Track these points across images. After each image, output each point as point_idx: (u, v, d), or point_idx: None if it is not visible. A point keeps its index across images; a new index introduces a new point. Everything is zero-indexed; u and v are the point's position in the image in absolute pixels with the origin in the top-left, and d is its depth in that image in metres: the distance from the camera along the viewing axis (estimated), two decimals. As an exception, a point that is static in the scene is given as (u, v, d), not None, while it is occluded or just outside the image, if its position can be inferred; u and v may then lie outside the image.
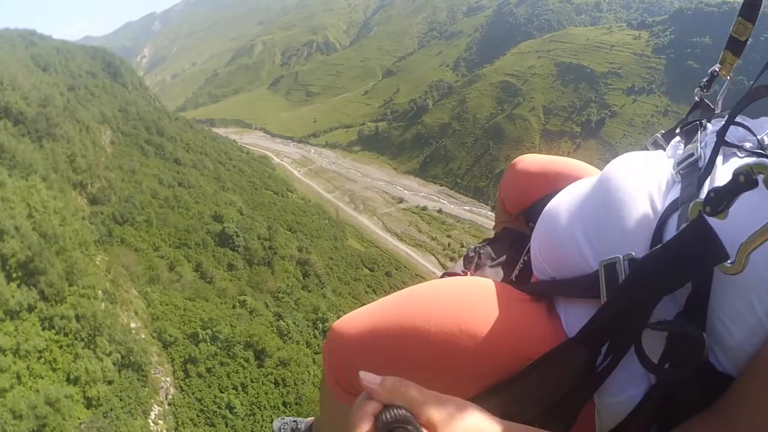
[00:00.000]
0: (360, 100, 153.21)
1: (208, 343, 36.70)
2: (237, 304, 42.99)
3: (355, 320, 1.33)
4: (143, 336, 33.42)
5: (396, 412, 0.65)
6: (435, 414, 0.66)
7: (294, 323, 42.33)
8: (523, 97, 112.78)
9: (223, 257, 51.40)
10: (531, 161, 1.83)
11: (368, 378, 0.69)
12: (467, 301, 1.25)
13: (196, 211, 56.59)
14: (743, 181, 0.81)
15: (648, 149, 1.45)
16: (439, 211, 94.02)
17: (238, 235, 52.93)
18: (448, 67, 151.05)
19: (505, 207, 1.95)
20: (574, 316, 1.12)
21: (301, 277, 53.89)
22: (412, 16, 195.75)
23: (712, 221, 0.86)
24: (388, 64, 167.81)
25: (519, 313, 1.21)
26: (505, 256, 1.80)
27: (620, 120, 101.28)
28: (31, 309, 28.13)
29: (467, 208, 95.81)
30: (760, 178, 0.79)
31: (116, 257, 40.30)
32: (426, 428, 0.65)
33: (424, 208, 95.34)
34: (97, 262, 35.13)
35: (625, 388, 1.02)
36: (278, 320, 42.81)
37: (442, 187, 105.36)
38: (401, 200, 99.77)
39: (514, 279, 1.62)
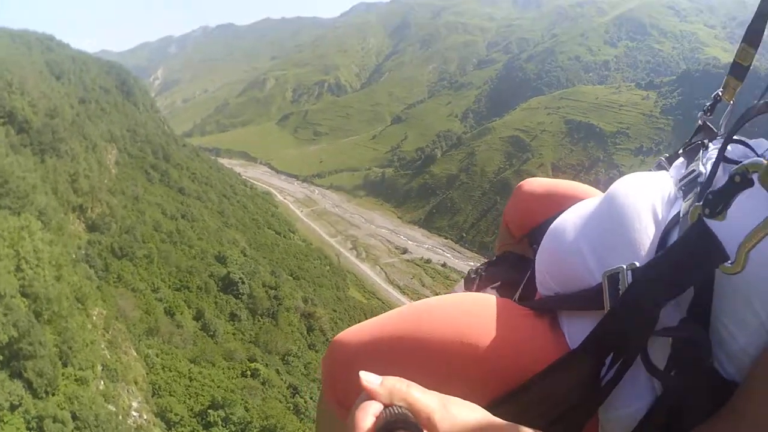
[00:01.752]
0: (367, 144, 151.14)
1: (221, 427, 31.40)
2: (248, 371, 38.13)
3: (356, 333, 1.32)
4: (145, 416, 28.30)
5: (396, 411, 0.64)
6: (436, 414, 0.65)
7: (311, 398, 37.35)
8: (532, 153, 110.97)
9: (225, 305, 47.04)
10: (537, 184, 1.84)
11: (368, 378, 0.67)
12: (470, 314, 1.25)
13: (199, 249, 52.46)
14: (739, 180, 0.83)
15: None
16: (444, 265, 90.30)
17: (243, 282, 48.76)
18: (457, 117, 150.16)
19: (509, 229, 1.95)
20: (578, 329, 1.12)
21: (306, 332, 49.56)
22: (424, 65, 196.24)
23: (712, 224, 0.87)
24: (398, 110, 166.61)
25: (522, 326, 1.21)
26: (506, 278, 1.79)
27: None
28: (14, 407, 21.34)
29: (472, 263, 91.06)
30: (755, 176, 0.80)
31: (113, 302, 35.69)
32: (426, 428, 0.64)
33: (428, 261, 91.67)
34: (95, 317, 30.38)
35: (631, 401, 1.01)
36: (294, 395, 38.06)
37: (446, 240, 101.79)
38: (405, 251, 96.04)
39: (516, 300, 1.59)
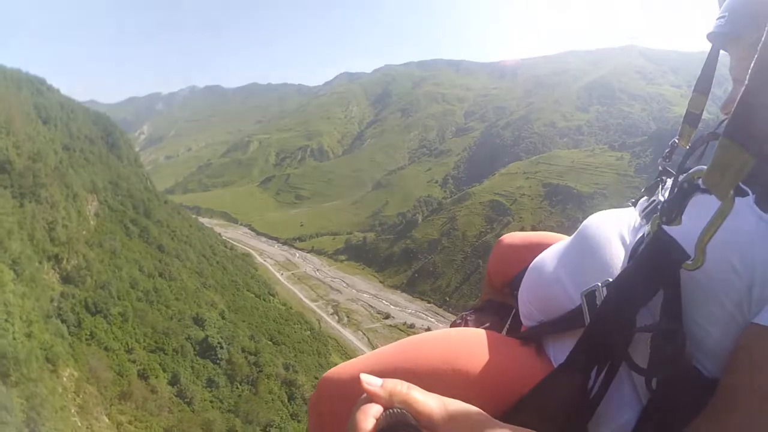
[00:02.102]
0: (348, 209, 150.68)
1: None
2: None
3: (346, 368, 1.34)
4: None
5: (397, 413, 0.64)
6: (436, 415, 0.66)
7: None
8: (512, 217, 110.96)
9: (202, 370, 44.07)
10: (515, 237, 1.96)
11: (369, 380, 0.68)
12: (458, 344, 1.30)
13: (176, 309, 49.65)
14: (687, 187, 0.92)
15: None
16: (428, 329, 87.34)
17: (221, 347, 46.07)
18: (437, 183, 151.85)
19: (491, 281, 2.05)
20: (562, 349, 1.18)
21: (287, 400, 46.32)
22: (405, 132, 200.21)
23: (670, 229, 0.95)
24: (379, 176, 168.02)
25: (509, 353, 1.26)
26: (490, 322, 1.86)
27: None
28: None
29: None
30: (700, 181, 0.87)
31: (85, 361, 32.72)
32: (427, 429, 0.64)
33: (412, 326, 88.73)
34: (65, 379, 27.46)
35: (619, 414, 1.04)
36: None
37: (429, 305, 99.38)
38: (387, 315, 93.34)
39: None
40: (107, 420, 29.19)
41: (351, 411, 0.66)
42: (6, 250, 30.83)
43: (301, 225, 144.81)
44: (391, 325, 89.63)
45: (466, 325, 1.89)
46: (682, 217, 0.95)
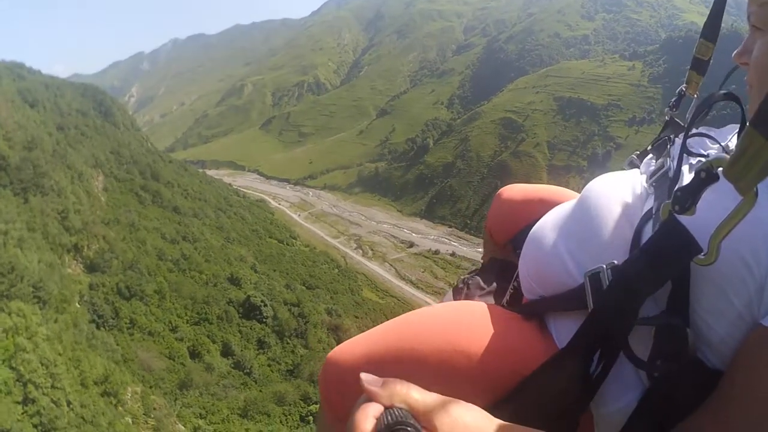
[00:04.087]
0: (355, 140, 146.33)
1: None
2: (308, 415, 32.76)
3: (349, 348, 1.34)
4: None
5: (397, 413, 0.63)
6: (436, 415, 0.65)
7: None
8: (526, 134, 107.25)
9: (250, 332, 42.08)
10: (515, 191, 1.87)
11: (369, 380, 0.67)
12: (460, 322, 1.27)
13: (210, 273, 47.43)
14: (705, 176, 0.84)
15: (625, 169, 1.46)
16: (453, 254, 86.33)
17: (265, 304, 43.95)
18: (443, 105, 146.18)
19: (492, 237, 1.98)
20: (565, 329, 1.15)
21: (335, 346, 45.00)
22: (402, 56, 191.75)
23: (683, 218, 0.89)
24: (382, 103, 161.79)
25: (511, 331, 1.23)
26: (494, 285, 1.79)
27: (626, 152, 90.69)
28: None
29: (480, 250, 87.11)
30: (720, 171, 0.81)
31: (137, 361, 30.45)
32: (427, 429, 0.63)
33: (437, 252, 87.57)
34: (129, 402, 24.45)
35: (620, 395, 1.03)
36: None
37: (451, 229, 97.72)
38: (411, 244, 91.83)
39: (505, 304, 1.60)
40: (183, 429, 27.15)
41: (353, 406, 0.66)
42: (21, 277, 27.33)
43: (310, 162, 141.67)
44: (416, 254, 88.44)
45: (468, 289, 1.78)
46: (696, 206, 0.88)
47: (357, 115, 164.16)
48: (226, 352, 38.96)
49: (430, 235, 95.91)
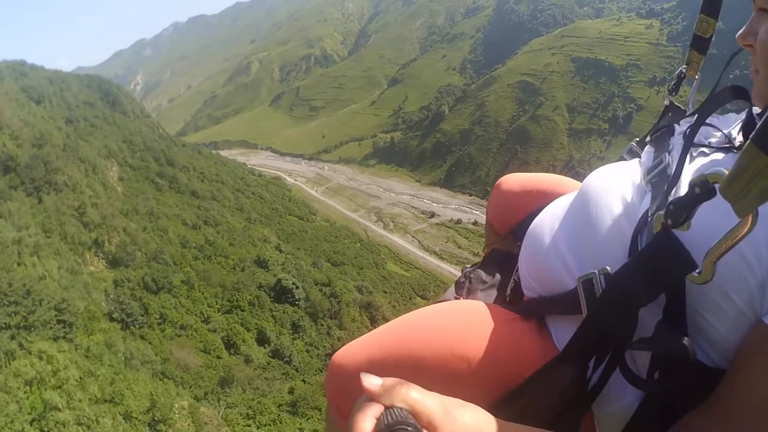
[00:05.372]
0: (368, 111, 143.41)
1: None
2: None
3: (352, 350, 1.34)
4: None
5: (397, 413, 0.62)
6: (436, 415, 0.63)
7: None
8: (544, 97, 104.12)
9: (284, 316, 40.46)
10: (514, 181, 1.84)
11: (369, 380, 0.65)
12: (459, 325, 1.26)
13: (236, 257, 45.72)
14: (699, 192, 0.79)
15: (625, 158, 1.43)
16: (475, 223, 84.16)
17: (296, 287, 42.30)
18: (455, 70, 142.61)
19: (494, 227, 1.96)
20: (564, 332, 1.13)
21: (370, 325, 43.63)
22: (410, 22, 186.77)
23: (678, 232, 0.85)
24: (392, 72, 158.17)
25: (509, 333, 1.22)
26: (495, 279, 1.77)
27: (648, 113, 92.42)
28: None
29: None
30: (716, 186, 0.76)
31: (173, 361, 28.59)
32: (427, 429, 0.62)
33: (459, 221, 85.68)
34: (176, 419, 22.20)
35: (621, 395, 1.02)
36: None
37: (472, 197, 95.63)
38: (432, 214, 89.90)
39: (507, 300, 1.58)
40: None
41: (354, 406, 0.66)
42: (41, 295, 24.51)
43: (323, 136, 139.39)
44: (437, 224, 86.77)
45: (470, 283, 1.75)
46: (692, 220, 0.84)
47: (368, 85, 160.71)
48: (262, 339, 37.39)
49: (450, 205, 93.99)
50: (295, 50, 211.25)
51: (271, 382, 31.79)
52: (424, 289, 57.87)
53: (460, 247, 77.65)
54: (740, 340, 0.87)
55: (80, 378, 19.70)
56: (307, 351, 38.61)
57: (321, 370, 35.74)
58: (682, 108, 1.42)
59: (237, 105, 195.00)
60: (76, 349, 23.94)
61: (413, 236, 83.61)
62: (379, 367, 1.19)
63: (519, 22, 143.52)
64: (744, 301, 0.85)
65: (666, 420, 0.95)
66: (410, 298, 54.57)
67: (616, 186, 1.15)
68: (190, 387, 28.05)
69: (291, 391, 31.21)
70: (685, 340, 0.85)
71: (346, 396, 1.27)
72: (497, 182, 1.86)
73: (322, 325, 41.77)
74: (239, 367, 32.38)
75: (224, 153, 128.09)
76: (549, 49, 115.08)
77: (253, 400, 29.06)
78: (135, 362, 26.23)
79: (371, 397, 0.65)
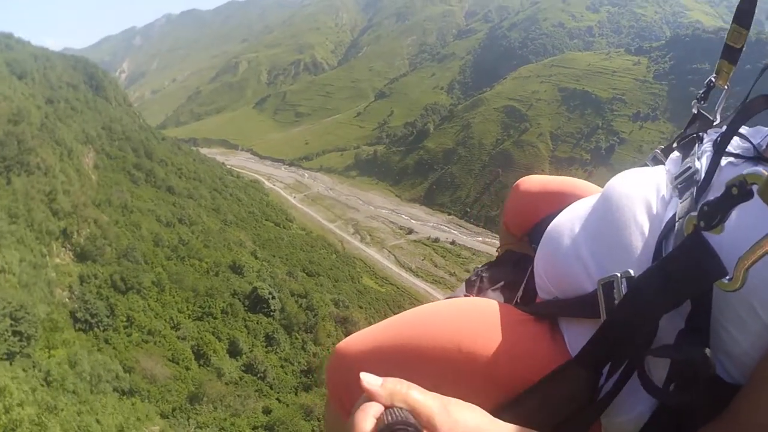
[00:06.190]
0: (353, 122, 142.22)
1: None
2: None
3: (357, 341, 1.32)
4: None
5: (397, 413, 0.62)
6: (436, 415, 0.63)
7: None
8: (529, 123, 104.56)
9: (257, 327, 38.56)
10: (533, 182, 1.81)
11: (369, 380, 0.65)
12: (468, 321, 1.23)
13: (210, 260, 43.79)
14: (736, 193, 0.76)
15: (648, 165, 1.41)
16: (453, 242, 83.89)
17: (273, 297, 40.47)
18: (443, 89, 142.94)
19: (509, 229, 1.93)
20: (577, 336, 1.10)
21: (347, 341, 41.73)
22: (402, 38, 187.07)
23: (708, 236, 0.82)
24: (380, 85, 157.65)
25: (520, 334, 1.19)
26: (507, 279, 1.75)
27: (629, 147, 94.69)
28: None
29: (480, 239, 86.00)
30: (754, 188, 0.73)
31: (139, 370, 26.60)
32: (427, 430, 0.62)
33: (436, 240, 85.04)
34: None
35: (633, 406, 0.98)
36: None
37: (450, 217, 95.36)
38: (410, 231, 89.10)
39: (518, 301, 1.56)
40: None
41: (356, 399, 0.66)
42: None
43: (306, 143, 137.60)
44: (415, 241, 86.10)
45: (482, 282, 1.73)
46: (725, 223, 0.80)
47: (355, 96, 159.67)
48: (234, 351, 35.59)
49: (429, 222, 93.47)
50: (285, 54, 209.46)
51: (244, 399, 29.86)
52: (399, 306, 56.62)
53: (436, 266, 76.93)
54: (760, 357, 0.84)
55: (38, 417, 16.40)
56: (282, 366, 36.92)
57: (297, 389, 34.10)
58: (710, 117, 1.39)
59: (221, 103, 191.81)
60: (33, 367, 20.97)
61: (390, 251, 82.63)
62: (384, 358, 1.20)
63: (510, 48, 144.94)
64: None
65: None
66: (385, 315, 53.05)
67: (641, 191, 1.12)
68: (158, 402, 25.99)
69: (267, 412, 29.42)
70: (707, 351, 0.82)
71: (349, 384, 1.24)
72: (516, 183, 1.82)
73: (296, 338, 40.13)
74: (211, 383, 30.33)
75: (204, 151, 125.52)
76: (537, 77, 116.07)
77: (225, 420, 27.11)
78: (103, 385, 23.75)
79: (371, 397, 0.64)
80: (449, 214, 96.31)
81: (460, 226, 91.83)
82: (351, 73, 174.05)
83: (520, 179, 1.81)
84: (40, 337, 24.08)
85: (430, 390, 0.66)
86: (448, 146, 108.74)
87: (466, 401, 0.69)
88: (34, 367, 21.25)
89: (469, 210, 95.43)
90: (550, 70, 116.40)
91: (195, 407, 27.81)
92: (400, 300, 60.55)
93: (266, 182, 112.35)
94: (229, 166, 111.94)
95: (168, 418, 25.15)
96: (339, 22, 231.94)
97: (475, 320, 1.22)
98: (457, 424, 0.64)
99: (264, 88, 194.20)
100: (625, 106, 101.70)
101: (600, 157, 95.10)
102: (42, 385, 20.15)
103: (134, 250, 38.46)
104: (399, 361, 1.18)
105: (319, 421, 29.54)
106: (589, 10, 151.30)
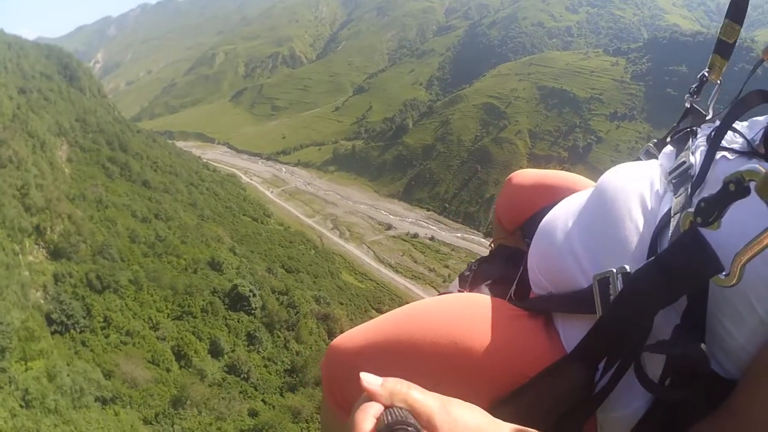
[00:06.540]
0: (331, 116, 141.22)
1: None
2: None
3: (352, 337, 1.31)
4: None
5: (397, 413, 0.62)
6: (436, 415, 0.63)
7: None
8: (508, 121, 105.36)
9: (239, 326, 37.73)
10: (525, 176, 1.80)
11: (369, 379, 0.65)
12: (463, 317, 1.23)
13: (189, 257, 42.75)
14: (733, 189, 0.76)
15: (641, 159, 1.41)
16: (431, 238, 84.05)
17: (253, 294, 39.75)
18: (422, 85, 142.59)
19: (501, 223, 1.92)
20: (572, 331, 1.09)
21: (327, 338, 41.46)
22: (382, 33, 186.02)
23: (706, 232, 0.82)
24: (359, 80, 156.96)
25: (515, 329, 1.18)
26: (501, 274, 1.73)
27: (606, 146, 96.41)
28: None
29: (459, 234, 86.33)
30: (752, 185, 0.73)
31: (119, 375, 25.66)
32: (427, 429, 0.62)
33: (415, 236, 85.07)
34: None
35: (628, 402, 0.98)
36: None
37: (429, 212, 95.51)
38: (389, 226, 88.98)
39: (512, 296, 1.53)
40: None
41: (353, 396, 0.67)
42: None
43: (283, 137, 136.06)
44: (394, 236, 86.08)
45: (475, 277, 1.72)
46: (722, 219, 0.79)
47: (333, 90, 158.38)
48: (216, 351, 34.80)
49: (407, 218, 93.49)
50: (262, 47, 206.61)
51: (229, 402, 29.18)
52: (379, 302, 56.55)
53: (416, 262, 77.06)
54: (757, 351, 0.85)
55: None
56: (266, 366, 36.30)
57: (282, 389, 33.50)
58: (703, 111, 1.39)
59: (196, 96, 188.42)
60: (10, 383, 19.60)
61: (369, 247, 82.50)
62: (379, 356, 1.20)
63: (489, 45, 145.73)
64: (766, 310, 0.82)
65: (672, 429, 0.92)
66: (366, 311, 52.97)
67: (635, 185, 1.12)
68: (140, 407, 25.19)
69: (253, 414, 28.79)
70: (703, 347, 0.83)
71: (344, 382, 1.24)
72: (508, 177, 1.80)
73: (278, 336, 39.50)
74: (194, 385, 29.45)
75: (180, 144, 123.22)
76: (516, 75, 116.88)
77: (211, 425, 26.41)
78: (85, 398, 22.64)
79: (371, 397, 0.64)
80: (428, 209, 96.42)
81: (439, 221, 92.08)
82: (329, 67, 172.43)
83: (514, 172, 1.80)
84: (15, 348, 22.88)
85: (426, 387, 0.66)
86: (427, 142, 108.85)
87: (461, 397, 0.69)
88: (10, 383, 19.99)
89: (447, 206, 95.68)
90: (529, 69, 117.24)
91: (179, 412, 27.02)
92: (380, 296, 60.49)
93: (243, 176, 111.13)
94: (205, 160, 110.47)
95: (151, 423, 24.38)
96: (318, 15, 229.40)
97: (470, 316, 1.22)
98: (457, 423, 0.64)
99: (241, 80, 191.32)
100: (602, 105, 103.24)
101: (577, 156, 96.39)
102: (21, 406, 19.13)
103: (110, 247, 37.32)
104: (394, 358, 1.18)
105: (307, 423, 29.16)
106: (569, 11, 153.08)
